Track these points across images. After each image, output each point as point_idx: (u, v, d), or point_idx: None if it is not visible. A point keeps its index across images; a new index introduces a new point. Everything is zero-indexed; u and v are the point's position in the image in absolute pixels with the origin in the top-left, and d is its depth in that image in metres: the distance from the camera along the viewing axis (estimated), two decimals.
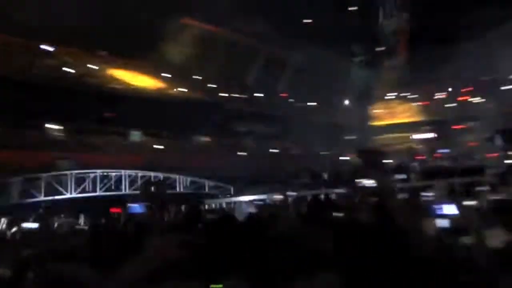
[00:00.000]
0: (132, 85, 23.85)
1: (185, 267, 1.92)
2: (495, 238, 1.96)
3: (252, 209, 3.56)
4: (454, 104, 32.46)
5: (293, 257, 1.57)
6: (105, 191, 16.95)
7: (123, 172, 17.94)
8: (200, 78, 26.33)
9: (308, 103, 30.82)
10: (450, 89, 32.19)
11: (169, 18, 22.94)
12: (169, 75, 24.87)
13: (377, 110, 33.91)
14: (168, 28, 23.14)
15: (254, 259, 1.61)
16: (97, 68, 22.83)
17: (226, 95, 27.35)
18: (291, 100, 30.40)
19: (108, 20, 19.62)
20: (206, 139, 25.96)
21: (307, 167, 22.56)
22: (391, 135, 31.84)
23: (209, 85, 26.82)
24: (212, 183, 19.67)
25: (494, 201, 2.80)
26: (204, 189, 19.48)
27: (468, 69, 26.58)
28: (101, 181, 17.00)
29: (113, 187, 17.21)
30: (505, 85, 29.42)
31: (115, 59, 23.42)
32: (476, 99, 31.60)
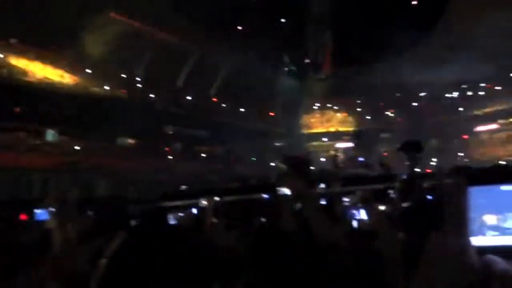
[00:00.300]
0: (49, 79, 21.76)
1: (94, 282, 1.74)
2: (402, 242, 2.10)
3: (177, 215, 3.40)
4: (371, 117, 35.45)
5: (211, 265, 1.52)
6: (11, 194, 15.11)
7: (35, 174, 16.26)
8: (126, 76, 25.03)
9: (240, 109, 31.14)
10: (369, 103, 35.02)
11: (95, 10, 21.48)
12: (91, 71, 23.11)
13: (304, 119, 35.54)
14: (93, 20, 21.63)
15: (172, 268, 1.53)
16: (4, 57, 20.39)
17: (154, 96, 26.39)
18: (222, 105, 30.43)
19: (24, 4, 17.71)
20: (130, 141, 24.71)
21: (236, 172, 22.68)
22: (316, 143, 33.59)
23: (136, 84, 25.65)
24: (136, 187, 18.72)
25: (401, 207, 3.04)
26: (128, 193, 18.44)
27: (385, 85, 29.21)
28: (6, 183, 15.14)
29: (21, 190, 15.43)
30: (415, 101, 32.96)
31: (28, 48, 21.14)
32: (390, 113, 34.90)
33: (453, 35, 25.18)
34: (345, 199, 4.48)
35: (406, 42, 24.60)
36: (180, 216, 3.42)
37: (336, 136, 35.18)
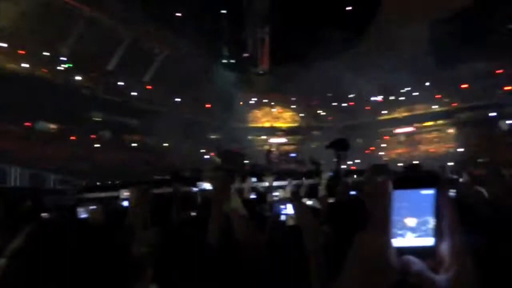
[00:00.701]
0: None
1: None
2: (327, 236, 2.16)
3: (89, 210, 3.11)
4: (304, 114, 36.91)
5: (122, 263, 1.41)
6: None
7: None
8: (49, 54, 22.75)
9: (175, 99, 30.29)
10: (303, 100, 36.32)
11: None
12: (7, 45, 20.52)
13: (240, 112, 35.69)
14: None
15: (81, 268, 1.39)
16: None
17: (81, 78, 24.45)
18: (156, 93, 29.32)
19: None
20: (52, 126, 22.67)
21: (168, 163, 22.06)
22: (251, 138, 33.96)
23: (60, 64, 23.50)
24: (58, 177, 17.21)
25: (328, 202, 3.16)
26: (47, 184, 16.88)
27: (318, 84, 30.49)
28: None
29: None
30: (344, 102, 34.96)
31: None
32: (322, 112, 36.63)
33: (381, 41, 27.11)
34: (276, 193, 4.57)
35: (340, 44, 25.97)
36: (93, 210, 3.16)
37: (271, 131, 36.00)
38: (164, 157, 24.53)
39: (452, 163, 22.15)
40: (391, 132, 33.82)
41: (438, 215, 0.59)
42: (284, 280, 1.63)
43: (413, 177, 0.62)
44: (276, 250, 1.97)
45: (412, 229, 0.59)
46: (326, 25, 25.94)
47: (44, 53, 22.48)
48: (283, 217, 2.28)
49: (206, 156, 26.68)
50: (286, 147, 34.70)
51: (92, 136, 24.35)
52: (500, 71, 26.60)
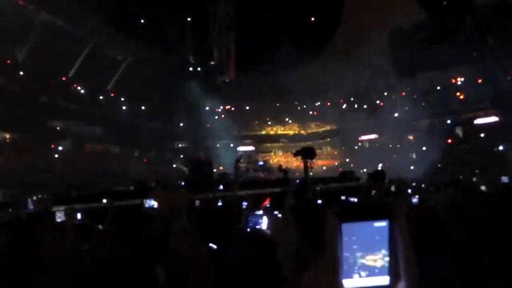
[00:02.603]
0: None
1: None
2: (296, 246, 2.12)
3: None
4: (271, 122, 37.23)
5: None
6: None
7: None
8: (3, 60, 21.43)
9: (140, 107, 29.54)
10: (270, 108, 36.59)
11: None
12: None
13: (207, 121, 35.33)
14: None
15: None
16: None
17: (39, 85, 23.24)
18: (120, 100, 28.48)
19: None
20: (6, 135, 21.37)
21: (133, 173, 21.38)
22: (218, 146, 33.66)
23: (17, 71, 22.24)
24: (11, 190, 16.16)
25: (296, 209, 3.13)
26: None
27: (284, 93, 30.82)
28: None
29: None
30: (311, 110, 35.59)
31: None
32: (288, 119, 37.10)
33: (344, 51, 27.86)
34: (244, 203, 4.51)
35: (304, 54, 26.48)
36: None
37: (239, 139, 35.80)
38: (128, 166, 23.77)
39: (412, 167, 23.08)
40: (356, 139, 34.65)
41: (392, 250, 0.52)
42: None
43: (364, 207, 0.56)
44: (248, 265, 1.90)
45: (365, 266, 0.52)
46: (291, 35, 26.43)
47: None
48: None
49: (173, 165, 26.16)
50: (254, 156, 34.64)
51: (52, 145, 23.18)
52: (455, 79, 28.21)
